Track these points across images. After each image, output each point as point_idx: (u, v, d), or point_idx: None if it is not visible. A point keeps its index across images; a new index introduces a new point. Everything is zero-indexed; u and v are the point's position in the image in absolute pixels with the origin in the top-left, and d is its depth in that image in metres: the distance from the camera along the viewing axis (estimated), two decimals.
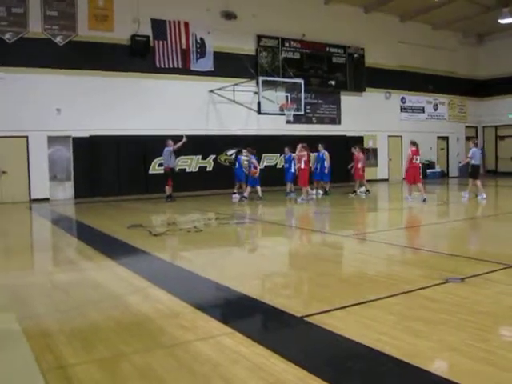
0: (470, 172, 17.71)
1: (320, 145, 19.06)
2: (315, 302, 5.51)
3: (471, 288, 5.80)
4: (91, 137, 19.23)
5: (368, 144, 26.72)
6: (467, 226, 12.26)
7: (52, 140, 19.06)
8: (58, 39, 18.55)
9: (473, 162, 17.33)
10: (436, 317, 4.79)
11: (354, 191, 19.06)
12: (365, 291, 5.83)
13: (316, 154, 19.34)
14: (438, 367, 3.82)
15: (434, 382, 3.51)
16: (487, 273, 6.44)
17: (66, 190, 19.39)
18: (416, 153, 16.79)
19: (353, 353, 4.09)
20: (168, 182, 17.83)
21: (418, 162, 17.03)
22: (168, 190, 17.82)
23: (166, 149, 17.79)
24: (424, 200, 15.97)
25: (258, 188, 17.78)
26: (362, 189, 19.44)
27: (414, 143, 17.00)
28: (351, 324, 4.66)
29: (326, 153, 18.87)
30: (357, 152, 19.32)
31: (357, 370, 3.72)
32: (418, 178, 17.05)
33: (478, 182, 16.88)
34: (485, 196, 16.43)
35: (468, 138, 32.54)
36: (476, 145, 17.97)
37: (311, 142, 19.19)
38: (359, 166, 19.11)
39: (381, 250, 8.76)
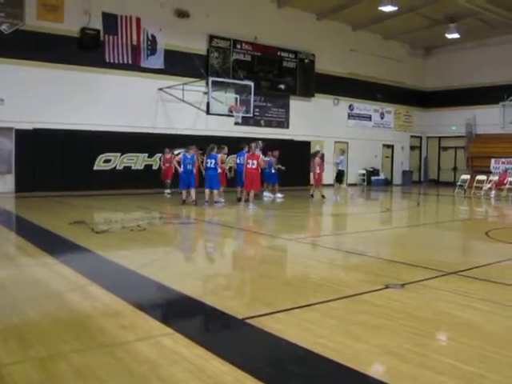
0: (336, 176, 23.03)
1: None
2: (257, 304, 5.52)
3: (410, 294, 5.94)
4: (35, 129, 18.72)
5: (315, 149, 26.98)
6: (406, 233, 12.53)
7: None
8: (4, 27, 17.95)
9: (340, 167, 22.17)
10: (375, 321, 4.88)
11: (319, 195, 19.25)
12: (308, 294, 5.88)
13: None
14: (376, 371, 3.89)
15: None
16: (425, 279, 6.60)
17: (7, 183, 18.81)
18: (251, 156, 15.83)
19: (293, 355, 4.12)
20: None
21: (254, 166, 15.81)
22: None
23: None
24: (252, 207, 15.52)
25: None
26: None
27: (250, 146, 16.01)
28: (292, 327, 4.69)
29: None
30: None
31: (296, 372, 3.75)
32: (257, 183, 16.15)
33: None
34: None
35: (412, 148, 33.49)
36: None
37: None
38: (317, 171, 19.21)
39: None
